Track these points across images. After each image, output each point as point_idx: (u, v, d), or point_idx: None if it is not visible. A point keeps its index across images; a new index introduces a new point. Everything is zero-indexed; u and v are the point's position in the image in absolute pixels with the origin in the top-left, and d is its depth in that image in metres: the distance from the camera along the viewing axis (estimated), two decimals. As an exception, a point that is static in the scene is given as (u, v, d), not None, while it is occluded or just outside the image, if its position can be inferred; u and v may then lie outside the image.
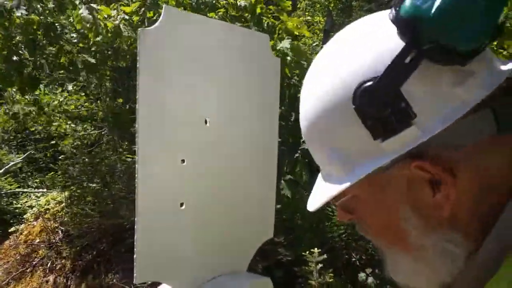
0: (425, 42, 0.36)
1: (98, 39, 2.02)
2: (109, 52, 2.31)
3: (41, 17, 2.33)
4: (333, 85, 0.43)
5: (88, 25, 1.89)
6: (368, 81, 0.39)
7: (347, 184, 0.43)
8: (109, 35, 1.94)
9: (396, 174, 0.42)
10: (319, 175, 0.51)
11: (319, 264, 2.31)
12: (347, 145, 0.43)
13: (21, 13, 2.17)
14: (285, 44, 1.85)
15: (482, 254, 0.40)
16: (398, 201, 0.43)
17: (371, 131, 0.40)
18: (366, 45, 0.41)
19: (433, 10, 0.36)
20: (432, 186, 0.40)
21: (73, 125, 4.44)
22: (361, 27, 0.45)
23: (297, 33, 2.16)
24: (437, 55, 0.37)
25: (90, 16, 1.86)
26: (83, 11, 1.90)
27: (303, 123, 0.48)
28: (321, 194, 0.49)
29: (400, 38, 0.38)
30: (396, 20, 0.38)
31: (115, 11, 2.02)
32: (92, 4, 2.03)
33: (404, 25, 0.38)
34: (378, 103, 0.38)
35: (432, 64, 0.37)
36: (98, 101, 4.24)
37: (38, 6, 2.36)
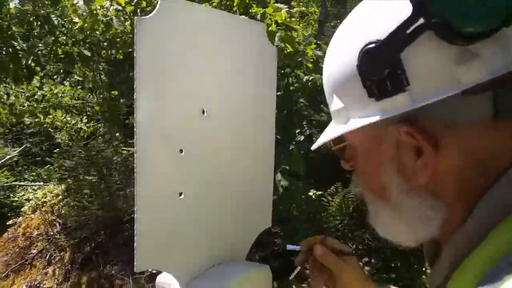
0: (432, 14, 0.37)
1: (95, 31, 1.99)
2: (105, 44, 2.29)
3: (36, 8, 2.30)
4: (347, 43, 0.46)
5: (83, 15, 1.86)
6: (372, 43, 0.41)
7: (340, 132, 0.48)
8: (101, 26, 1.92)
9: (388, 134, 0.45)
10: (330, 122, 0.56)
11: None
12: (349, 98, 0.46)
13: (15, 4, 2.14)
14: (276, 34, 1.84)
15: (464, 227, 0.42)
16: (386, 159, 0.46)
17: (367, 90, 0.43)
18: (379, 9, 0.43)
19: None
20: (417, 153, 0.43)
21: (68, 118, 4.41)
22: None
23: (289, 24, 2.15)
24: (441, 30, 0.37)
25: (85, 6, 1.84)
26: (78, 1, 1.88)
27: (324, 68, 0.52)
28: (321, 137, 0.55)
29: (411, 6, 0.38)
30: None
31: (108, 1, 1.99)
32: None
33: None
34: (377, 65, 0.40)
35: (436, 38, 0.38)
36: (93, 94, 4.21)
37: None
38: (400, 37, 0.38)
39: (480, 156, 0.41)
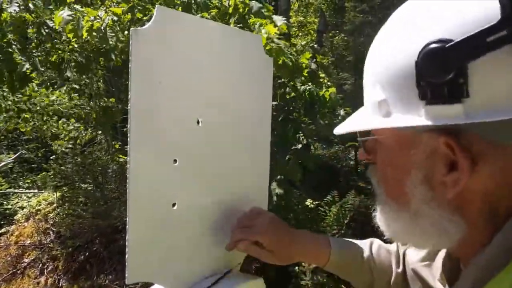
0: None
1: (80, 37, 1.97)
2: (102, 50, 2.29)
3: (32, 15, 2.30)
4: (410, 33, 0.41)
5: (70, 26, 1.84)
6: (442, 42, 0.36)
7: (379, 126, 0.44)
8: (96, 39, 1.90)
9: (424, 139, 0.42)
10: (359, 109, 0.53)
11: (312, 264, 2.32)
12: (395, 93, 0.42)
13: (14, 10, 2.14)
14: (275, 44, 1.85)
15: (489, 249, 0.41)
16: (414, 165, 0.43)
17: (420, 91, 0.39)
18: (460, 6, 0.38)
19: None
20: (449, 167, 0.40)
21: (64, 125, 4.40)
22: None
23: (289, 32, 2.17)
24: None
25: (70, 18, 1.82)
26: (64, 12, 1.86)
27: (370, 55, 0.48)
28: (351, 124, 0.51)
29: (500, 12, 0.34)
30: None
31: (103, 12, 1.98)
32: (76, 6, 1.99)
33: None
34: (440, 68, 0.36)
35: None
36: (90, 101, 4.21)
37: (30, 4, 2.33)
38: (478, 44, 0.34)
39: (511, 179, 0.40)
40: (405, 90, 0.40)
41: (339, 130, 0.52)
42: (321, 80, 2.55)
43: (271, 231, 0.75)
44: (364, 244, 0.79)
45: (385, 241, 0.79)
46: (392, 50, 0.43)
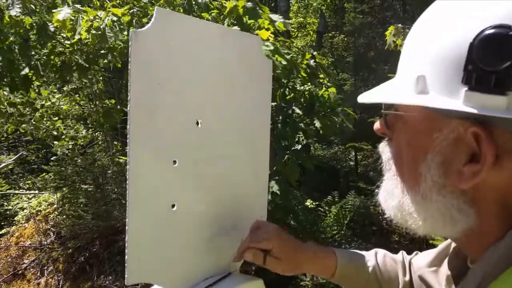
0: None
1: (77, 37, 1.98)
2: (103, 51, 2.30)
3: (33, 18, 2.31)
4: (469, 13, 0.39)
5: (68, 25, 1.85)
6: (502, 27, 0.35)
7: (413, 102, 0.42)
8: (96, 38, 1.90)
9: (452, 125, 0.40)
10: (390, 80, 0.50)
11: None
12: (438, 71, 0.40)
13: (16, 12, 2.14)
14: (269, 46, 1.85)
15: (502, 245, 0.40)
16: (434, 148, 0.42)
17: (465, 75, 0.37)
18: None
19: None
20: (470, 157, 0.39)
21: (64, 126, 4.40)
22: None
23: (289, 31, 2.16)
24: None
25: (66, 17, 1.83)
26: (63, 10, 1.87)
27: (418, 29, 0.45)
28: (382, 94, 0.48)
29: None
30: None
31: (103, 12, 1.99)
32: (77, 5, 2.00)
33: None
34: (495, 55, 0.35)
35: None
36: (91, 102, 4.21)
37: (31, 6, 2.34)
38: None
39: None
40: (450, 71, 0.38)
41: (365, 99, 0.49)
42: (321, 80, 2.55)
43: (277, 236, 0.75)
44: (369, 255, 0.78)
45: (391, 251, 0.79)
46: (447, 28, 0.40)
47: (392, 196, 0.48)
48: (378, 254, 0.78)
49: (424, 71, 0.41)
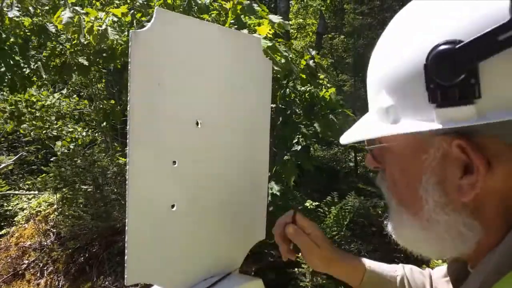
0: None
1: (83, 40, 1.99)
2: (104, 54, 2.30)
3: (33, 19, 2.31)
4: (415, 35, 0.40)
5: (71, 28, 1.85)
6: (449, 43, 0.36)
7: (389, 133, 0.42)
8: (97, 37, 1.91)
9: (436, 143, 0.41)
10: (364, 116, 0.51)
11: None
12: (403, 98, 0.41)
13: (14, 14, 2.15)
14: (267, 43, 1.85)
15: (501, 248, 0.40)
16: (426, 169, 0.42)
17: (429, 94, 0.38)
18: (466, 4, 0.37)
19: None
20: (464, 170, 0.40)
21: (64, 127, 4.40)
22: None
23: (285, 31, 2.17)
24: None
25: (70, 20, 1.83)
26: (65, 13, 1.87)
27: (374, 60, 0.47)
28: (358, 132, 0.49)
29: (509, 11, 0.33)
30: None
31: (104, 13, 1.99)
32: (77, 7, 2.00)
33: None
34: (450, 70, 0.36)
35: None
36: (91, 103, 4.21)
37: (30, 8, 2.34)
38: (488, 43, 0.34)
39: None
40: (414, 94, 0.39)
41: (346, 139, 0.50)
42: (321, 81, 2.55)
43: (314, 225, 0.75)
44: (396, 266, 0.77)
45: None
46: (398, 53, 0.42)
47: (401, 226, 0.48)
48: (405, 266, 0.77)
49: (391, 101, 0.42)
